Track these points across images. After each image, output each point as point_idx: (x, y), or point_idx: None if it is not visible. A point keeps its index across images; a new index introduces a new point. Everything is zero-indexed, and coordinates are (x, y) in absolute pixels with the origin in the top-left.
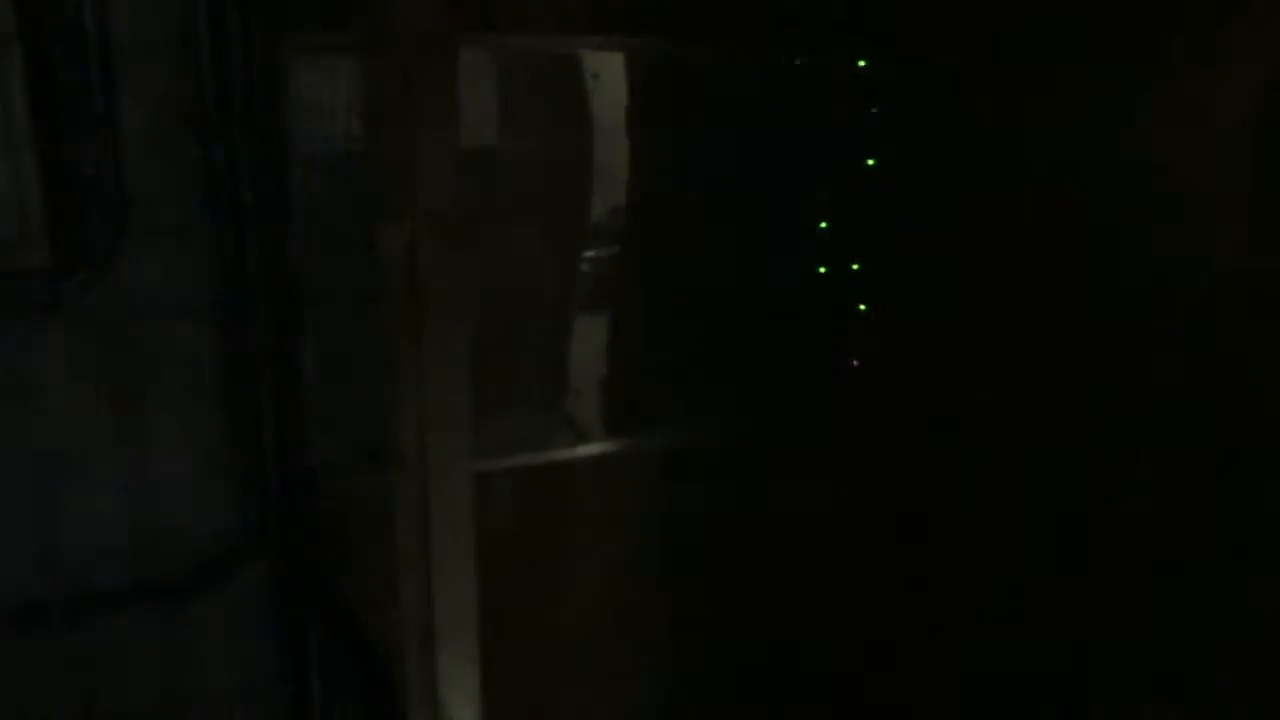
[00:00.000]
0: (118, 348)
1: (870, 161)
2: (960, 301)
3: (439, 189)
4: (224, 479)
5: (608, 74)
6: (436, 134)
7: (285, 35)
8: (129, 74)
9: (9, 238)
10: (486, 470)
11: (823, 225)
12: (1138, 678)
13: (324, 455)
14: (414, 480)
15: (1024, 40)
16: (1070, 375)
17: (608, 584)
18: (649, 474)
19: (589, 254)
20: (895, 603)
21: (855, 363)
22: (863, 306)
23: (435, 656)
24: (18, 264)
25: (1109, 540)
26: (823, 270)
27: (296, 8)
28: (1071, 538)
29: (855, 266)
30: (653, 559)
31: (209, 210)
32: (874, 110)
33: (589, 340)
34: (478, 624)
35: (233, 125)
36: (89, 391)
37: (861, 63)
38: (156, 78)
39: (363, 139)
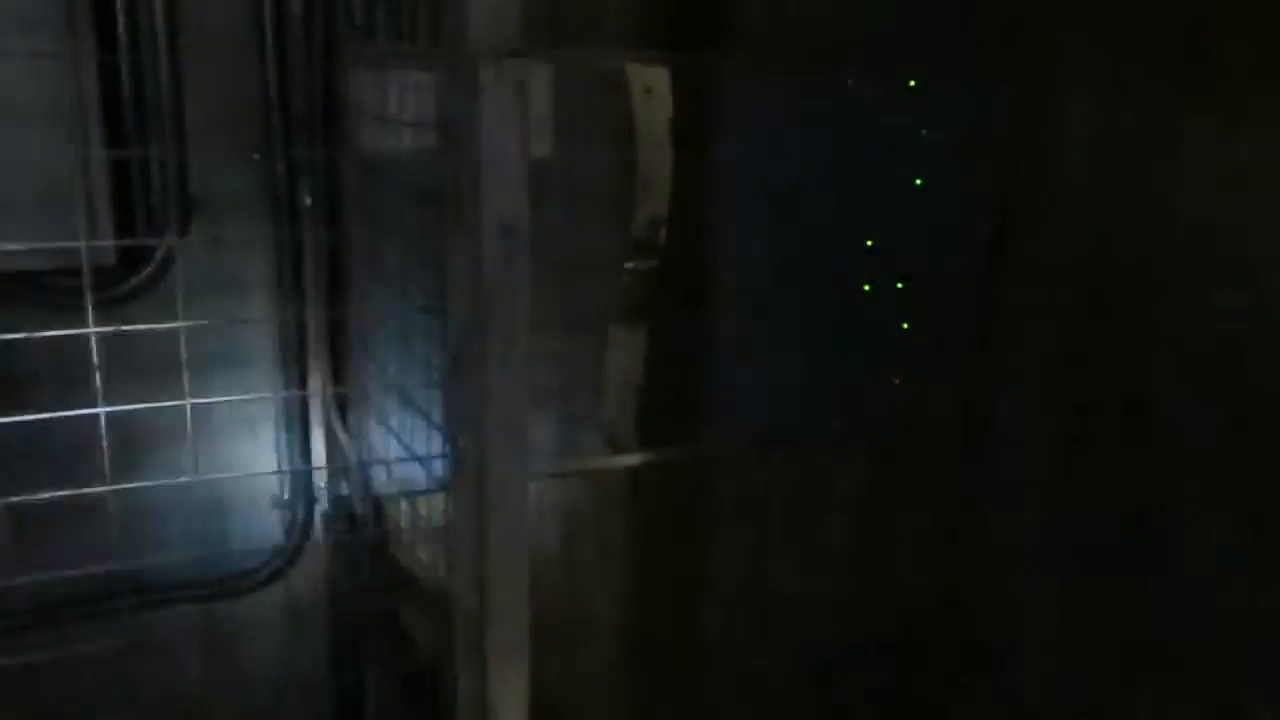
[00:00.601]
0: (176, 346)
1: (918, 181)
2: (1002, 325)
3: (506, 201)
4: (281, 477)
5: (659, 88)
6: (504, 146)
7: (350, 44)
8: (194, 76)
9: (78, 236)
10: (535, 475)
11: (869, 244)
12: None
13: (375, 453)
14: (472, 483)
15: (1082, 65)
16: (1109, 408)
17: (643, 593)
18: (684, 484)
19: (631, 265)
20: (928, 619)
21: (896, 380)
22: (905, 325)
23: (485, 660)
24: (85, 262)
25: (1141, 570)
26: (867, 288)
27: (363, 17)
28: (1107, 572)
29: (899, 285)
30: (688, 569)
31: (269, 214)
32: (924, 130)
33: (628, 351)
34: (528, 629)
35: (295, 131)
36: (148, 389)
37: (912, 83)
38: (221, 81)
39: (427, 149)
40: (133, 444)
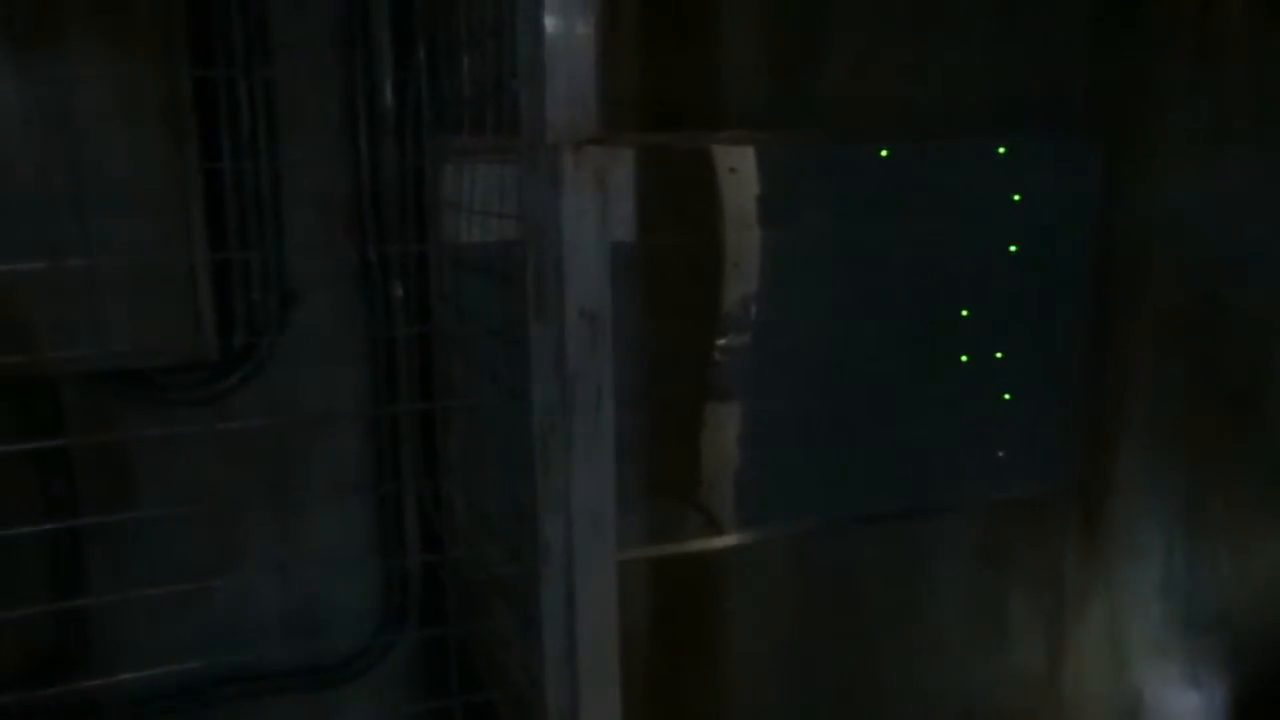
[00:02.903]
0: (273, 441)
1: (1012, 248)
2: (1109, 393)
3: (588, 287)
4: (370, 570)
5: (743, 168)
6: (586, 232)
7: (437, 138)
8: (292, 174)
9: (185, 333)
10: (625, 560)
11: (964, 314)
12: None
13: (467, 545)
14: (559, 570)
15: (1180, 120)
16: (1223, 476)
17: (744, 677)
18: (784, 565)
19: (721, 343)
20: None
21: (1000, 453)
22: (1007, 396)
23: None
24: (189, 360)
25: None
26: (965, 359)
27: (449, 112)
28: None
29: (998, 355)
30: (790, 651)
31: (362, 307)
32: (1015, 196)
33: (721, 430)
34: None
35: (386, 224)
36: (245, 483)
37: (1001, 149)
38: (318, 177)
39: (511, 239)
40: (231, 533)
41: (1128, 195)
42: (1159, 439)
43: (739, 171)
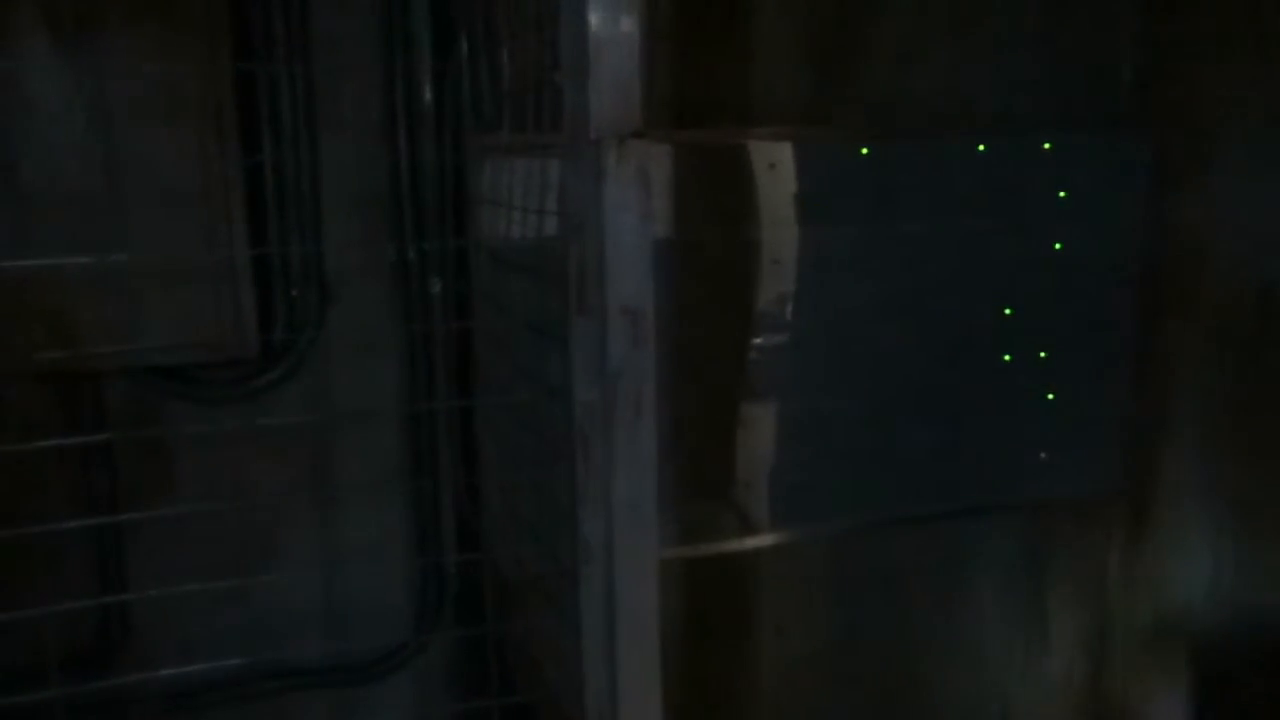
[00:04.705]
0: (310, 439)
1: (1057, 246)
2: (1160, 394)
3: (630, 284)
4: (406, 566)
5: (783, 163)
6: (628, 228)
7: (476, 133)
8: (331, 170)
9: (225, 329)
10: (663, 559)
11: (1007, 312)
12: None
13: (503, 541)
14: (599, 569)
15: (1233, 113)
16: (1277, 478)
17: (782, 679)
18: (822, 566)
19: (759, 341)
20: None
21: (1043, 455)
22: (1051, 396)
23: None
24: (229, 356)
25: None
26: (1008, 359)
27: (489, 105)
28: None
29: (1043, 355)
30: (829, 654)
31: (400, 303)
32: (1061, 192)
33: (759, 429)
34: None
35: (425, 219)
36: (283, 479)
37: (1047, 145)
38: (357, 173)
39: (551, 235)
40: (269, 528)
41: (1178, 191)
42: (1210, 441)
43: (778, 167)
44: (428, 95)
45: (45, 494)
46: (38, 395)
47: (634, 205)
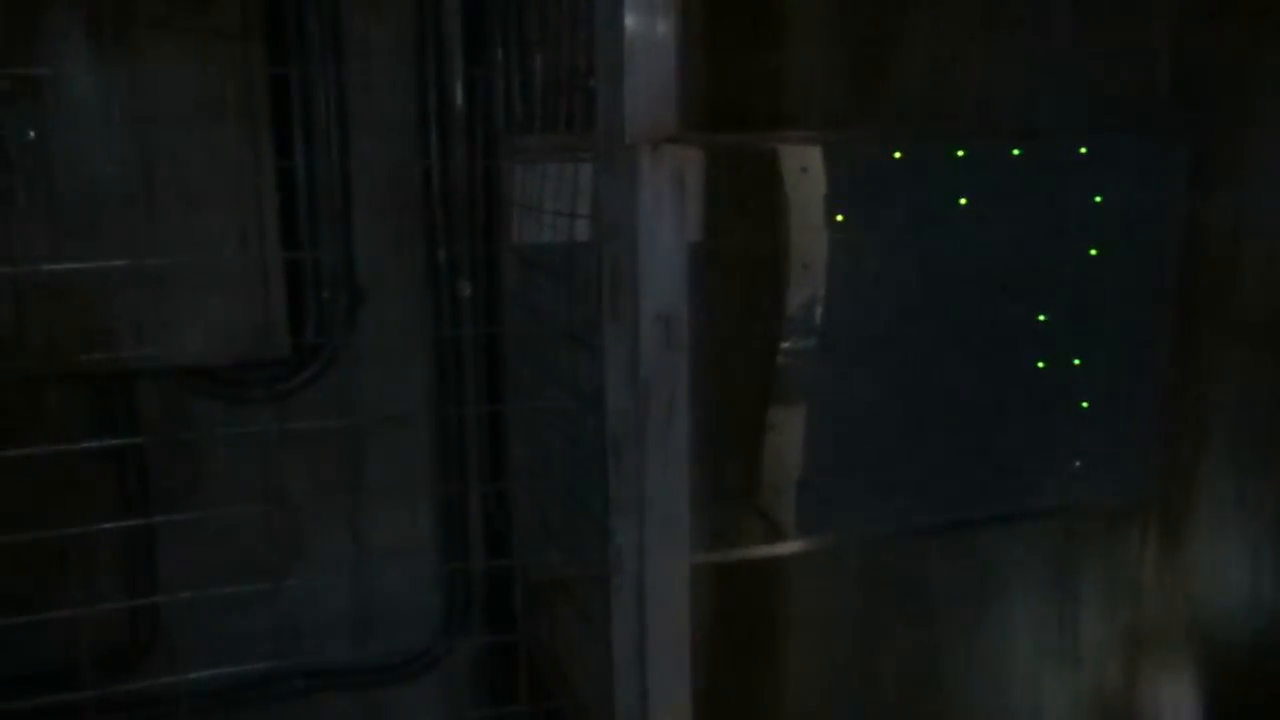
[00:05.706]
0: (340, 439)
1: (1093, 251)
2: (1192, 401)
3: (664, 289)
4: (434, 568)
5: (815, 168)
6: (662, 233)
7: (508, 136)
8: (363, 172)
9: (257, 331)
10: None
11: (1041, 318)
12: None
13: (532, 545)
14: (631, 575)
15: (1271, 118)
16: None
17: (809, 684)
18: (851, 572)
19: (789, 345)
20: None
21: (1077, 463)
22: (1085, 404)
23: None
24: (261, 356)
25: None
26: (1041, 365)
27: (521, 109)
28: None
29: (1076, 361)
30: (856, 659)
31: (430, 306)
32: (1097, 197)
33: (788, 434)
34: None
35: (455, 223)
36: (312, 481)
37: (1083, 149)
38: (388, 176)
39: (584, 239)
40: (298, 530)
41: (1215, 196)
42: (1245, 449)
43: (810, 171)
44: (459, 98)
45: (78, 495)
46: (72, 397)
47: (668, 211)
